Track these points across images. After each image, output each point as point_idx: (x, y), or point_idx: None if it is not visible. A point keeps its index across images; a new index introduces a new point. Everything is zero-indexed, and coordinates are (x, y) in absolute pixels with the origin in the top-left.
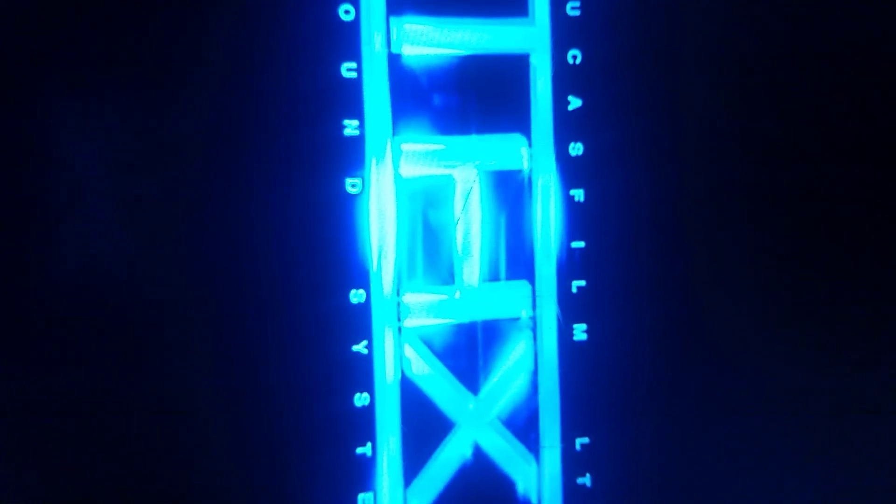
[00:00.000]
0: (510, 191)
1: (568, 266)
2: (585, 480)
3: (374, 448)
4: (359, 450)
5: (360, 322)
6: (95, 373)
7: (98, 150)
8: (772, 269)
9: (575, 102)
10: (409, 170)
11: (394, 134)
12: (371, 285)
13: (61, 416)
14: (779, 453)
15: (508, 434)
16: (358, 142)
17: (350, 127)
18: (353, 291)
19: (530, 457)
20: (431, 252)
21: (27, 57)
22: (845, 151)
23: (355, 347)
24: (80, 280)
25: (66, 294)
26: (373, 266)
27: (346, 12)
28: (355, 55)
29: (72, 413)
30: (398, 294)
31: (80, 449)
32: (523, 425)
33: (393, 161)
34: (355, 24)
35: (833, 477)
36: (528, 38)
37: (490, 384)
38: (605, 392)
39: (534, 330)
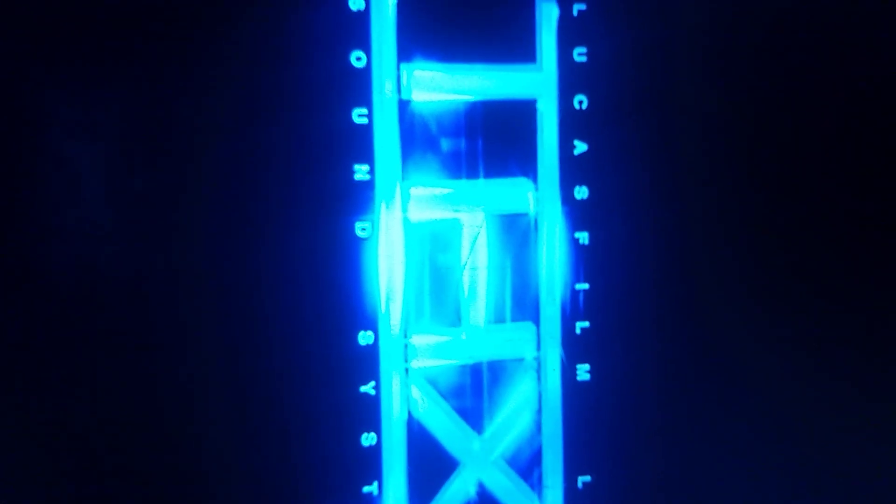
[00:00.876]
0: (516, 234)
1: (572, 307)
2: None
3: (380, 487)
4: (365, 489)
5: (368, 363)
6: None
7: (111, 203)
8: (777, 302)
9: (581, 147)
10: (417, 214)
11: (403, 178)
12: (379, 327)
13: (66, 414)
14: (785, 486)
15: (512, 473)
16: (368, 186)
17: (360, 172)
18: (361, 333)
19: (533, 495)
20: (438, 294)
21: (34, 52)
22: (856, 158)
23: (363, 388)
24: (84, 313)
25: (70, 304)
26: (381, 308)
27: (358, 59)
28: (366, 101)
29: (79, 416)
30: (406, 335)
31: (86, 451)
32: (527, 464)
33: (402, 205)
34: (366, 70)
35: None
36: (536, 83)
37: (494, 424)
38: (608, 432)
39: (538, 370)
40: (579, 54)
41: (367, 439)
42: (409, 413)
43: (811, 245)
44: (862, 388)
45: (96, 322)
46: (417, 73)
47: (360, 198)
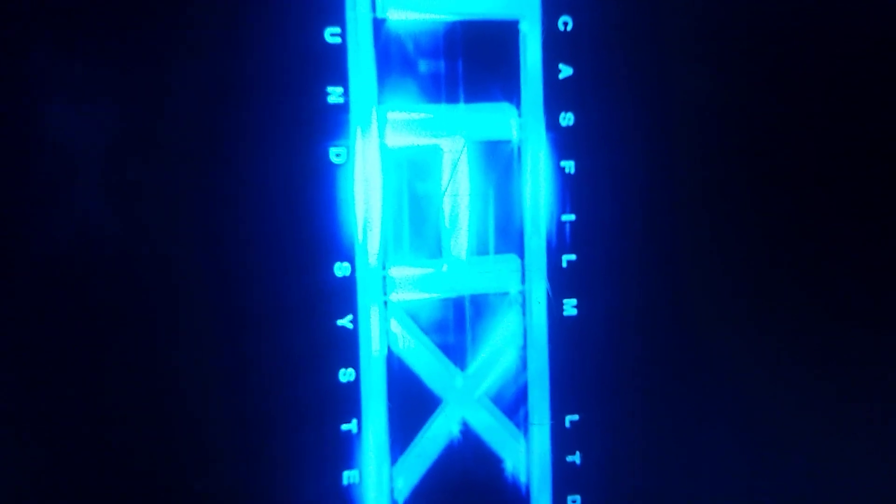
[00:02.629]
0: (499, 162)
1: (558, 239)
2: (575, 458)
3: (359, 425)
4: (344, 426)
5: (345, 296)
6: (81, 342)
7: (80, 132)
8: (763, 243)
9: (566, 71)
10: (395, 139)
11: (379, 102)
12: (356, 258)
13: (53, 402)
14: (768, 429)
15: (497, 411)
16: (342, 110)
17: (334, 94)
18: (337, 264)
19: (519, 434)
20: (418, 224)
21: (21, 46)
22: (840, 142)
23: (340, 322)
24: (65, 259)
25: (47, 276)
26: (358, 238)
27: None
28: (339, 20)
29: (62, 391)
30: (384, 267)
31: (71, 426)
32: (512, 402)
33: (378, 130)
34: None
35: (823, 455)
36: (518, 3)
37: (478, 360)
38: (596, 369)
39: (523, 305)
40: None
41: (345, 375)
42: (389, 348)
43: (802, 185)
44: (853, 360)
45: (66, 262)
46: None
47: (334, 122)
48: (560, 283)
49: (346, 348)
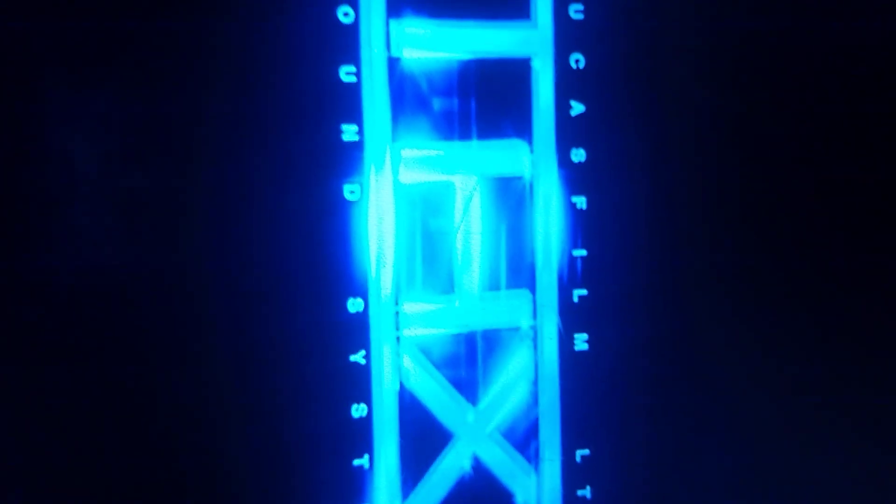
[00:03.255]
0: (511, 198)
1: (569, 274)
2: (586, 493)
3: (371, 460)
4: (356, 461)
5: (357, 331)
6: (88, 381)
7: (97, 159)
8: (774, 279)
9: (577, 108)
10: (408, 176)
11: (393, 139)
12: (369, 294)
13: (55, 417)
14: (778, 463)
15: (508, 446)
16: (357, 147)
17: (349, 132)
18: (351, 300)
19: (530, 469)
20: (431, 260)
21: (23, 50)
22: (851, 157)
23: (353, 357)
24: (76, 289)
25: (59, 295)
26: (371, 274)
27: (346, 14)
28: (354, 59)
29: (67, 417)
30: (397, 303)
31: (76, 453)
32: (523, 437)
33: (392, 167)
34: (354, 26)
35: (829, 485)
36: (530, 41)
37: (490, 395)
38: (607, 403)
39: (534, 340)
40: (576, 11)
41: (358, 410)
42: (401, 383)
43: (809, 218)
44: (855, 360)
45: (79, 283)
46: (408, 29)
47: (348, 159)
48: (571, 318)
49: (359, 384)
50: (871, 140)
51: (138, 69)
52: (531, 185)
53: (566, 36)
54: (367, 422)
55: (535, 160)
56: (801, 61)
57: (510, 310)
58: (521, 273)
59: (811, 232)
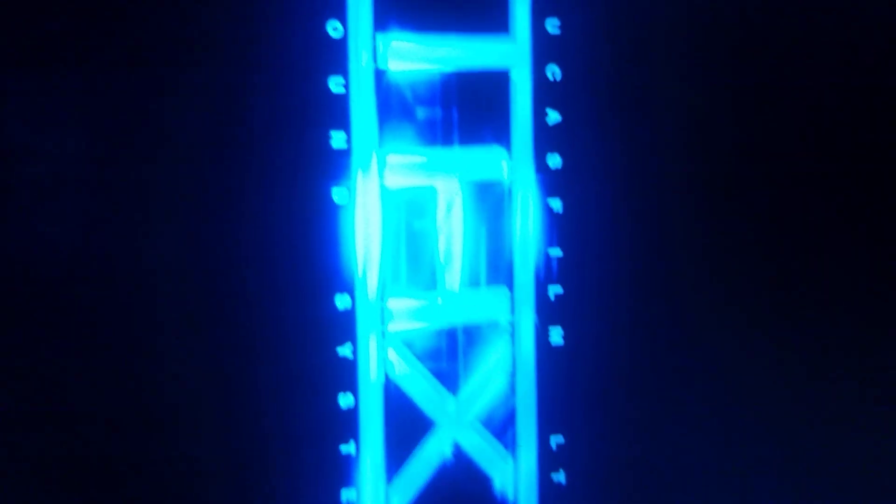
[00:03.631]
0: (491, 201)
1: (545, 273)
2: (560, 478)
3: (357, 446)
4: (343, 448)
5: (345, 326)
6: (75, 379)
7: (89, 165)
8: (748, 277)
9: (554, 116)
10: (393, 181)
11: (380, 146)
12: (356, 291)
13: (40, 417)
14: (751, 452)
15: (487, 433)
16: (345, 154)
17: (337, 139)
18: (339, 297)
19: (507, 455)
20: (415, 259)
21: (9, 47)
22: (832, 155)
23: (340, 350)
24: (62, 290)
25: (44, 292)
26: (358, 272)
27: (335, 29)
28: (343, 70)
29: (55, 416)
30: (382, 299)
31: (63, 453)
32: (501, 425)
33: (378, 172)
34: (343, 40)
35: (810, 479)
36: (509, 54)
37: (469, 386)
38: (580, 393)
39: (512, 334)
40: (553, 26)
41: (345, 400)
42: (386, 375)
43: (787, 217)
44: (840, 356)
45: (64, 285)
46: (394, 43)
47: (336, 164)
48: (547, 313)
49: (346, 375)
50: (846, 143)
51: (134, 75)
52: (510, 189)
53: (543, 49)
54: (353, 411)
55: (513, 166)
56: (775, 71)
57: (489, 306)
58: (499, 271)
59: (783, 230)
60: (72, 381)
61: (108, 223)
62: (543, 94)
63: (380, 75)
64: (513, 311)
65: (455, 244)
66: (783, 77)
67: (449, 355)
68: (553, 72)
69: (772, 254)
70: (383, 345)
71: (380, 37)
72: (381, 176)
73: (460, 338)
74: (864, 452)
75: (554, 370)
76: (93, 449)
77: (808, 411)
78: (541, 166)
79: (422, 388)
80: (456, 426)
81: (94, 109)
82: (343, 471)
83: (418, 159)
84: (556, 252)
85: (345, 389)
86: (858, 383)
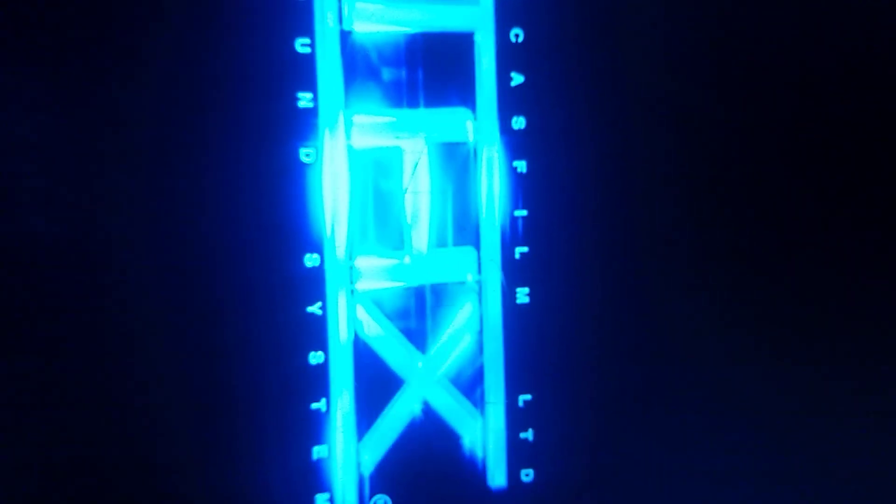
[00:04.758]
0: (456, 162)
1: (511, 233)
2: (528, 435)
3: (328, 404)
4: (313, 405)
5: (314, 285)
6: (46, 348)
7: (46, 132)
8: (709, 236)
9: (517, 79)
10: (360, 141)
11: (346, 107)
12: (325, 250)
13: (17, 412)
14: (712, 408)
15: (455, 391)
16: (311, 114)
17: (304, 99)
18: (307, 256)
19: (476, 412)
20: (382, 219)
21: None
22: (808, 139)
23: (310, 308)
24: (29, 257)
25: (17, 273)
26: (327, 232)
27: None
28: (309, 31)
29: (24, 387)
30: (351, 258)
31: (34, 434)
32: (469, 383)
33: (345, 132)
34: (309, 2)
35: (781, 454)
36: (473, 17)
37: (438, 344)
38: (547, 352)
39: (479, 293)
40: None
41: (315, 358)
42: (356, 333)
43: (749, 181)
44: (799, 330)
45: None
46: (359, 4)
47: (304, 125)
48: (513, 273)
49: (316, 333)
50: (820, 135)
51: (96, 43)
52: (475, 150)
53: (506, 12)
54: (323, 368)
55: (478, 127)
56: (735, 31)
57: (457, 265)
58: (466, 231)
59: (746, 193)
60: (47, 359)
61: (75, 192)
62: (507, 56)
63: (345, 36)
64: (479, 270)
65: (422, 204)
66: (750, 39)
67: (417, 314)
68: (516, 34)
69: (738, 216)
70: (352, 303)
71: None
72: (347, 136)
73: (428, 297)
74: (842, 444)
75: (520, 329)
76: (68, 424)
77: (771, 374)
78: (505, 128)
79: (391, 347)
80: (425, 384)
81: (55, 83)
82: (314, 428)
83: (384, 120)
84: (521, 213)
85: (315, 347)
86: (841, 366)
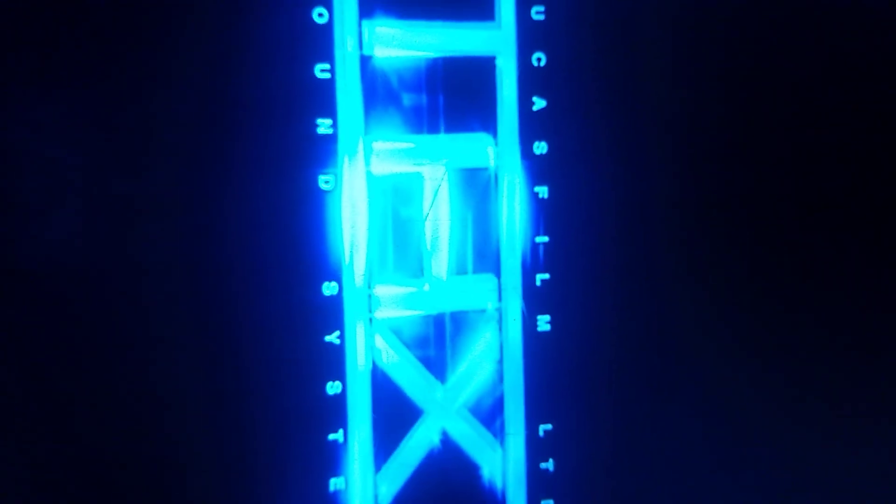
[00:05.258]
0: (477, 188)
1: (532, 260)
2: (548, 465)
3: (345, 434)
4: (331, 436)
5: (332, 313)
6: (67, 365)
7: (74, 150)
8: (733, 264)
9: (539, 103)
10: (380, 167)
11: (365, 132)
12: (343, 278)
13: (31, 413)
14: (735, 440)
15: (474, 421)
16: (331, 140)
17: (323, 126)
18: (326, 284)
19: (495, 443)
20: (401, 246)
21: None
22: (821, 144)
23: (328, 338)
24: (54, 271)
25: (37, 284)
26: (345, 259)
27: (320, 15)
28: (328, 57)
29: (44, 398)
30: (369, 286)
31: (51, 430)
32: (489, 413)
33: (365, 159)
34: (328, 26)
35: (796, 474)
36: (495, 41)
37: (457, 373)
38: (567, 381)
39: (499, 321)
40: (537, 12)
41: (333, 388)
42: (374, 362)
43: (775, 207)
44: (822, 352)
45: (55, 279)
46: (379, 29)
47: (323, 151)
48: (534, 300)
49: (334, 363)
50: (833, 130)
51: (118, 66)
52: (496, 176)
53: (528, 36)
54: (341, 398)
55: (499, 152)
56: (760, 60)
57: (477, 293)
58: (486, 258)
59: (770, 220)
60: (56, 365)
61: (96, 212)
62: (529, 80)
63: (365, 61)
64: (500, 298)
65: (442, 231)
66: (771, 65)
67: (436, 343)
68: (538, 58)
69: (759, 243)
70: (370, 332)
71: (365, 23)
72: (367, 162)
73: (448, 325)
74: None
75: (541, 357)
76: (81, 441)
77: (795, 404)
78: (527, 153)
79: (410, 376)
80: (444, 414)
81: (82, 103)
82: (331, 459)
83: (404, 146)
84: (542, 239)
85: (333, 377)
86: (842, 368)
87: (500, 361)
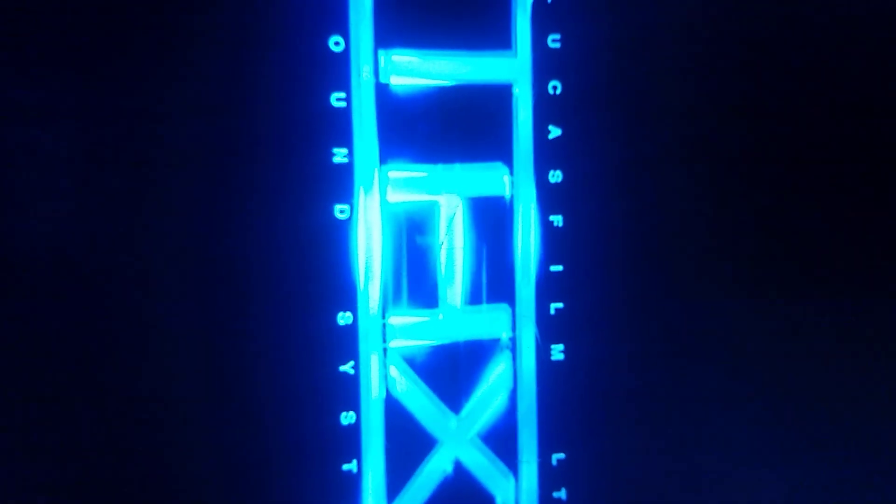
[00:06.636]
0: (492, 216)
1: (546, 289)
2: (561, 494)
3: (359, 464)
4: (345, 466)
5: (346, 343)
6: (81, 391)
7: (90, 178)
8: (750, 291)
9: (555, 132)
10: (395, 196)
11: (381, 162)
12: (358, 307)
13: (50, 421)
14: (752, 468)
15: (488, 451)
16: (347, 169)
17: (339, 155)
18: (340, 313)
19: (509, 472)
20: (416, 275)
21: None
22: (833, 165)
23: (342, 367)
24: (77, 312)
25: (59, 313)
26: (360, 289)
27: (336, 44)
28: (344, 85)
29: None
30: (384, 316)
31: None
32: (502, 442)
33: (380, 188)
34: (345, 55)
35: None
36: (511, 69)
37: (471, 403)
38: (581, 410)
39: (513, 350)
40: (553, 40)
41: (347, 418)
42: (388, 392)
43: (785, 226)
44: (838, 365)
45: (78, 306)
46: (395, 57)
47: (338, 180)
48: (548, 329)
49: (348, 392)
50: (848, 159)
51: (138, 92)
52: (511, 205)
53: (544, 64)
54: (355, 428)
55: (514, 181)
56: (774, 82)
57: (491, 322)
58: (501, 287)
59: (786, 243)
60: (79, 393)
61: (114, 236)
62: (545, 109)
63: (381, 90)
64: (514, 327)
65: (456, 260)
66: (782, 88)
67: (450, 372)
68: (554, 86)
69: (775, 267)
70: (384, 362)
71: (381, 52)
72: (382, 191)
73: (462, 355)
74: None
75: (555, 386)
76: (99, 473)
77: (812, 427)
78: (542, 182)
79: (423, 406)
80: (457, 443)
81: (98, 135)
82: (345, 489)
83: (420, 174)
84: (556, 268)
85: (346, 407)
86: (861, 396)
87: (514, 391)
